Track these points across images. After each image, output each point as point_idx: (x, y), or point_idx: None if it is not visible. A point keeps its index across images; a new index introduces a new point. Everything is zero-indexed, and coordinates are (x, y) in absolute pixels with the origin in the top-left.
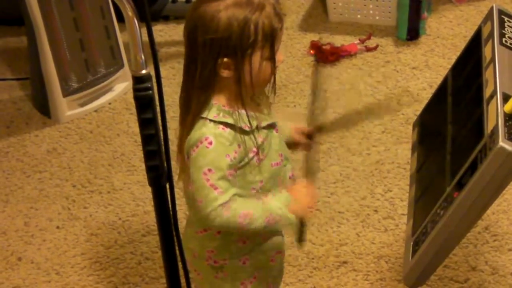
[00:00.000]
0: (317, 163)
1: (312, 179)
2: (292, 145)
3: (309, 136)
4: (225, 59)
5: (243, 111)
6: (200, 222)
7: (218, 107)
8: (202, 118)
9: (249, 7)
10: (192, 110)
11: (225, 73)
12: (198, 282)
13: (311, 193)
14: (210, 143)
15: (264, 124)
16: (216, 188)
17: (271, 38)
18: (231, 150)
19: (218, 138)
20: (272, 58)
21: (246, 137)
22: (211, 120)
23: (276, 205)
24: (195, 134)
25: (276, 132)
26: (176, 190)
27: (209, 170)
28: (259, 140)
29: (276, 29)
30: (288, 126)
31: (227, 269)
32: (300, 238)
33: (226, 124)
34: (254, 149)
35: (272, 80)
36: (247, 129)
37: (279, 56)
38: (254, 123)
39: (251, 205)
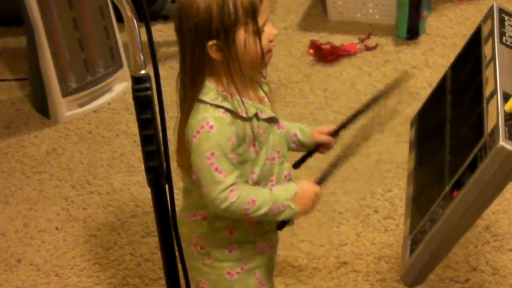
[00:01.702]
0: (335, 167)
1: (324, 181)
2: (315, 147)
3: (333, 134)
4: (211, 42)
5: (241, 97)
6: (209, 207)
7: (216, 91)
8: (201, 101)
9: None
10: (188, 95)
11: (214, 55)
12: (189, 269)
13: (318, 193)
14: (212, 127)
15: (265, 116)
16: (220, 172)
17: (252, 12)
18: (232, 134)
19: (220, 121)
20: (257, 33)
21: (245, 124)
22: (211, 105)
23: (282, 196)
24: (196, 118)
25: (278, 128)
26: (175, 191)
27: (212, 154)
28: (257, 130)
29: (255, 3)
30: (308, 131)
31: (213, 256)
32: (280, 226)
33: (226, 109)
34: (251, 139)
35: (262, 58)
36: (244, 115)
37: (271, 29)
38: (252, 111)
39: (258, 193)
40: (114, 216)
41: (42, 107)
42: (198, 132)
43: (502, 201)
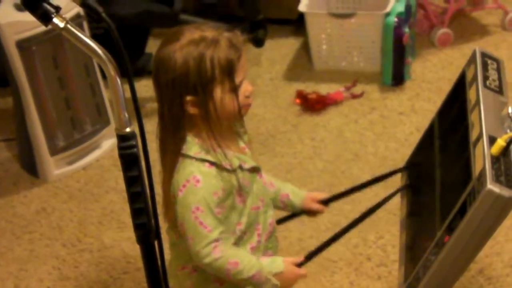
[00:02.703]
0: (325, 247)
1: (312, 259)
2: (305, 212)
3: (325, 202)
4: (188, 97)
5: (223, 150)
6: (193, 259)
7: (200, 145)
8: (185, 156)
9: (203, 43)
10: (169, 149)
11: (191, 110)
12: None
13: (302, 276)
14: (198, 181)
15: (247, 166)
16: (205, 227)
17: (228, 70)
18: (218, 188)
19: (206, 176)
20: (233, 90)
21: (231, 176)
22: (196, 159)
23: (267, 268)
24: (183, 173)
25: (260, 178)
26: (165, 246)
27: (197, 208)
28: (242, 181)
29: (232, 61)
30: (301, 195)
31: None
32: None
33: (211, 163)
34: (237, 190)
35: (239, 113)
36: (229, 167)
37: (247, 86)
38: (236, 162)
39: (243, 257)
40: (106, 273)
41: (31, 166)
42: (184, 186)
43: (494, 244)
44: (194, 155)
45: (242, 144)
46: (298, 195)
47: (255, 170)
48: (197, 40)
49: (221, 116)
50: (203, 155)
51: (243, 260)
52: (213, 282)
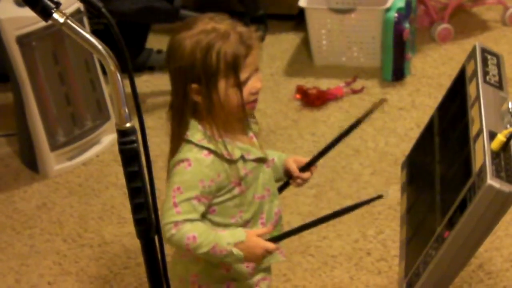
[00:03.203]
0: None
1: (281, 241)
2: (285, 175)
3: (303, 169)
4: (193, 85)
5: (226, 139)
6: None
7: (204, 133)
8: (188, 141)
9: (213, 34)
10: (174, 132)
11: (196, 98)
12: None
13: (269, 249)
14: (189, 165)
15: (252, 156)
16: (176, 207)
17: (234, 66)
18: (207, 177)
19: (198, 162)
20: (237, 86)
21: (230, 166)
22: (196, 145)
23: (225, 239)
24: (179, 155)
25: (267, 167)
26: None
27: (178, 188)
28: (243, 171)
29: (239, 58)
30: (284, 156)
31: None
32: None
33: (210, 151)
34: (236, 180)
35: (243, 109)
36: (228, 157)
37: (255, 83)
38: (238, 153)
39: (201, 231)
40: (106, 269)
41: (31, 162)
42: (177, 165)
43: (494, 239)
44: (197, 141)
45: (251, 134)
46: (281, 158)
47: (261, 160)
48: (208, 31)
49: (224, 108)
50: (205, 143)
51: (201, 234)
52: (220, 269)
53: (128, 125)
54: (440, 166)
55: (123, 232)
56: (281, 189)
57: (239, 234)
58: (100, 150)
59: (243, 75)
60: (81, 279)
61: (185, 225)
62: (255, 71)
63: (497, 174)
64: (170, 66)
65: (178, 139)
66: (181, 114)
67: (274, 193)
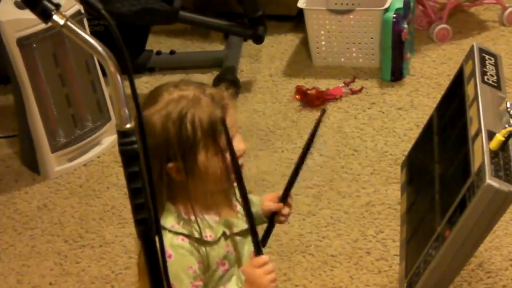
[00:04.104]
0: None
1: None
2: (271, 218)
3: (282, 199)
4: (171, 164)
5: (206, 217)
6: None
7: (178, 215)
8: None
9: (182, 103)
10: None
11: (175, 176)
12: None
13: (266, 269)
14: (170, 256)
15: (236, 230)
16: None
17: (212, 133)
18: (193, 262)
19: (178, 250)
20: (220, 153)
21: (209, 248)
22: (169, 231)
23: None
24: None
25: None
26: None
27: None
28: (226, 249)
29: (214, 122)
30: (257, 199)
31: None
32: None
33: (185, 235)
34: (218, 260)
35: (227, 179)
36: (210, 239)
37: (238, 145)
38: (219, 232)
39: None
40: (107, 269)
41: (32, 163)
42: None
43: (493, 238)
44: (170, 227)
45: (235, 202)
46: (253, 202)
47: (247, 231)
48: (176, 100)
49: (207, 182)
50: (178, 228)
51: None
52: None
53: (128, 126)
54: (439, 166)
55: (124, 232)
56: (266, 235)
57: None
58: (101, 151)
59: (223, 140)
60: (82, 280)
61: None
62: (235, 132)
63: (496, 174)
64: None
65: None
66: (158, 195)
67: None
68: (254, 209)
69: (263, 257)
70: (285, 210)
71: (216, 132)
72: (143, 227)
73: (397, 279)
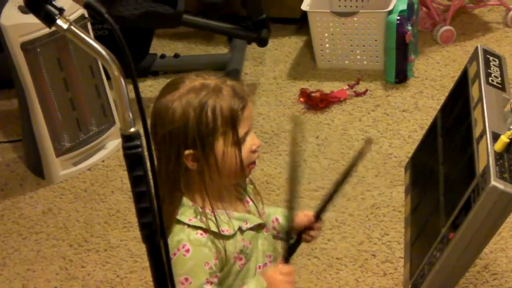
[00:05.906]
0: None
1: (291, 257)
2: (298, 235)
3: (317, 217)
4: (188, 151)
5: (221, 211)
6: None
7: (195, 209)
8: (178, 221)
9: (204, 91)
10: (164, 209)
11: (190, 165)
12: None
13: (287, 272)
14: (188, 250)
15: (250, 225)
16: None
17: (232, 121)
18: (210, 258)
19: (196, 245)
20: (237, 144)
21: (227, 242)
22: (188, 225)
23: None
24: (173, 239)
25: (266, 232)
26: None
27: (186, 279)
28: (241, 243)
29: (236, 111)
30: (291, 214)
31: None
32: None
33: (203, 229)
34: (236, 255)
35: (242, 171)
36: (227, 233)
37: (253, 139)
38: (235, 226)
39: None
40: (112, 273)
41: (37, 167)
42: (174, 254)
43: (499, 240)
44: (188, 221)
45: (247, 198)
46: (284, 214)
47: (259, 226)
48: (198, 88)
49: (222, 171)
50: (196, 222)
51: None
52: None
53: (132, 130)
54: (443, 168)
55: (129, 236)
56: (292, 250)
57: (261, 282)
58: (105, 155)
59: (241, 130)
60: (87, 284)
61: None
62: (251, 127)
63: (501, 175)
64: (157, 132)
65: (169, 219)
66: (173, 186)
67: (276, 258)
68: (282, 220)
69: (291, 267)
70: (317, 228)
71: (236, 121)
72: (148, 230)
73: (402, 282)
